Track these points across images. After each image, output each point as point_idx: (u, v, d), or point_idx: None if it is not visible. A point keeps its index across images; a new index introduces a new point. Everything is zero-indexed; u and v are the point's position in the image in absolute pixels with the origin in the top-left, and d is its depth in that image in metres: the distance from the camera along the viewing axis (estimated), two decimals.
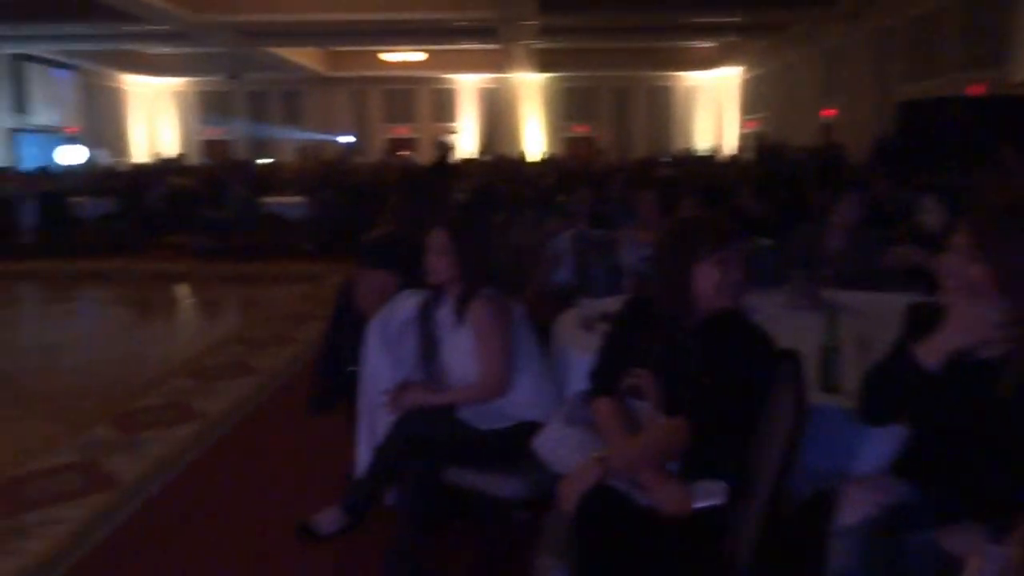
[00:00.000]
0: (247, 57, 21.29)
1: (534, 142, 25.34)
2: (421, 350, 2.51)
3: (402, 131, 26.29)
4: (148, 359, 5.32)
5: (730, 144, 23.89)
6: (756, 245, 3.98)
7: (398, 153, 20.85)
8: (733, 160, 16.19)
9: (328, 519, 2.44)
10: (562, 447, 1.86)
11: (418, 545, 2.22)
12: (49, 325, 7.03)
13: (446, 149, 13.43)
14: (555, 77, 25.23)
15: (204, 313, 7.59)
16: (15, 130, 20.08)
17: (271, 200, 10.68)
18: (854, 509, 1.47)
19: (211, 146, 26.34)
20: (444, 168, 11.70)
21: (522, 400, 2.33)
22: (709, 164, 16.28)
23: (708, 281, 1.80)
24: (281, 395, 4.40)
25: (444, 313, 2.45)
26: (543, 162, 18.62)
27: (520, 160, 20.05)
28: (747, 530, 1.62)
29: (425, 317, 2.50)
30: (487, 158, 20.58)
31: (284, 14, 16.20)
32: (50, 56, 20.80)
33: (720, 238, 1.82)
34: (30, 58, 20.29)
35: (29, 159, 18.64)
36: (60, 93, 21.99)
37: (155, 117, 26.87)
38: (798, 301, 2.91)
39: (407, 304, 2.55)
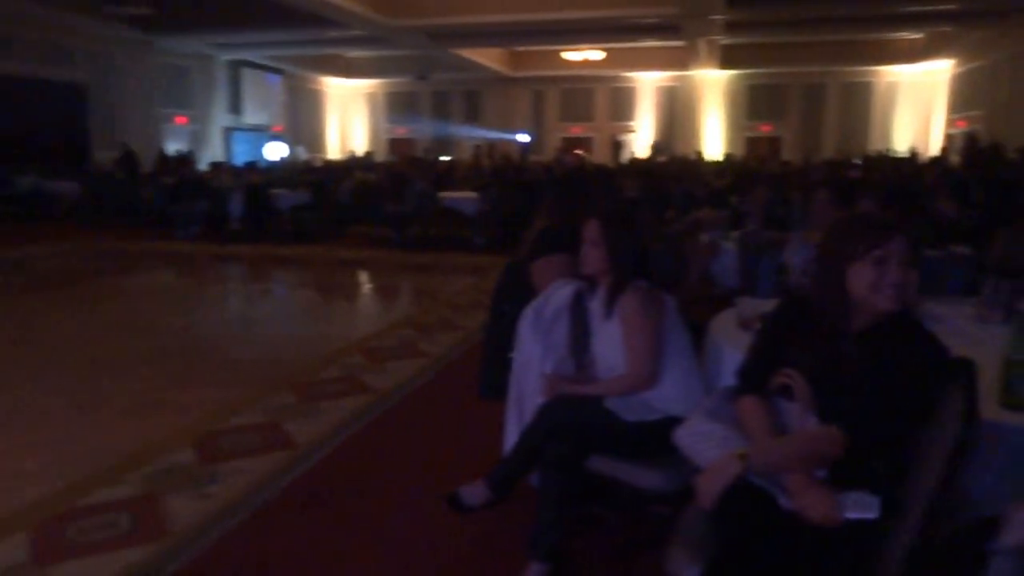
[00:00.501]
0: (434, 59, 22.34)
1: (714, 141, 24.59)
2: (572, 339, 2.56)
3: (577, 130, 26.45)
4: (329, 337, 5.76)
5: (934, 145, 21.86)
6: (951, 251, 3.67)
7: (572, 151, 21.01)
8: (935, 162, 14.82)
9: (474, 492, 2.54)
10: (703, 441, 1.82)
11: (557, 527, 2.26)
12: (248, 302, 7.84)
13: (622, 147, 13.36)
14: (739, 74, 24.31)
15: (381, 298, 8.09)
16: (230, 129, 22.39)
17: (448, 195, 11.16)
18: (1018, 530, 1.33)
19: (397, 144, 27.88)
20: (605, 168, 11.67)
21: (669, 394, 2.32)
22: (906, 166, 15.02)
23: (862, 281, 1.69)
24: (445, 376, 4.63)
25: (596, 303, 2.48)
26: (721, 162, 18.05)
27: (698, 159, 19.56)
28: (898, 549, 1.51)
29: (578, 306, 2.56)
30: (662, 157, 20.25)
31: (471, 16, 16.84)
32: (262, 62, 22.97)
33: (877, 236, 1.69)
34: (245, 64, 22.52)
35: (241, 155, 20.72)
36: (269, 95, 24.24)
37: (348, 116, 28.85)
38: (989, 312, 2.65)
39: (562, 293, 2.61)
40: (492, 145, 21.63)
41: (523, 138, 25.80)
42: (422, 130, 27.76)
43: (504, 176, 12.57)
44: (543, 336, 2.57)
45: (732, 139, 24.86)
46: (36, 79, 15.92)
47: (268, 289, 8.51)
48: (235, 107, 22.58)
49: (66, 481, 3.08)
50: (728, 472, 1.65)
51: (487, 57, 23.01)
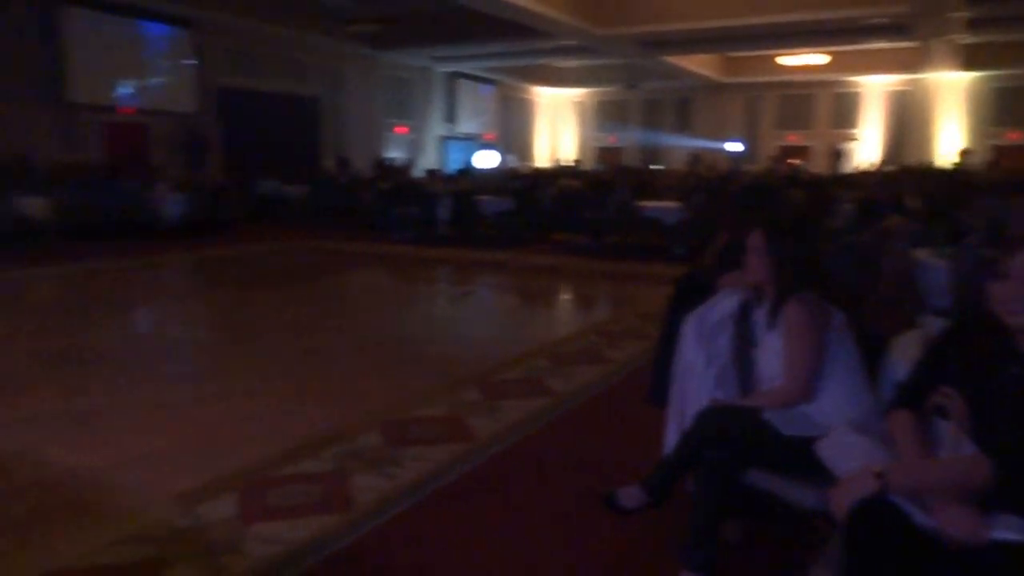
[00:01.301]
0: (644, 67, 22.23)
1: (951, 150, 22.20)
2: (736, 348, 2.52)
3: (794, 138, 25.06)
4: (518, 339, 5.92)
5: None
6: None
7: (787, 161, 19.93)
8: None
9: (630, 494, 2.58)
10: (845, 452, 1.73)
11: (710, 537, 2.21)
12: (448, 303, 8.28)
13: (842, 156, 12.49)
14: (983, 76, 21.76)
15: (573, 304, 8.18)
16: (445, 137, 23.77)
17: (650, 204, 11.04)
18: None
19: (605, 153, 28.05)
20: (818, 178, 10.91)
21: (830, 410, 2.20)
22: None
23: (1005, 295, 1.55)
24: (625, 383, 4.59)
25: (761, 313, 2.44)
26: (953, 172, 16.24)
27: (928, 169, 17.76)
28: None
29: (743, 315, 2.54)
30: (890, 167, 18.63)
31: (685, 23, 16.56)
32: (476, 73, 24.15)
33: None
34: (461, 75, 23.81)
35: (454, 162, 21.92)
36: (481, 105, 25.42)
37: (557, 125, 29.49)
38: None
39: (728, 301, 2.60)
40: (697, 155, 21.07)
41: (735, 147, 24.91)
42: (631, 139, 27.70)
43: (709, 186, 12.21)
44: (706, 343, 2.54)
45: (974, 147, 22.27)
46: (277, 93, 17.98)
47: (468, 291, 8.92)
48: (450, 116, 23.93)
49: (271, 451, 3.43)
50: (862, 487, 1.56)
51: (699, 64, 22.49)
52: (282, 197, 14.94)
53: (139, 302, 7.86)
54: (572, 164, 23.98)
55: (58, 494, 3.01)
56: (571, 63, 25.27)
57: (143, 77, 15.86)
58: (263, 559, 2.53)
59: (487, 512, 2.90)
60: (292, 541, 2.63)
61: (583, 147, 29.06)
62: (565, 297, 8.58)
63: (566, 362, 5.03)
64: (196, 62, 16.47)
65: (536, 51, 20.87)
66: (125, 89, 15.55)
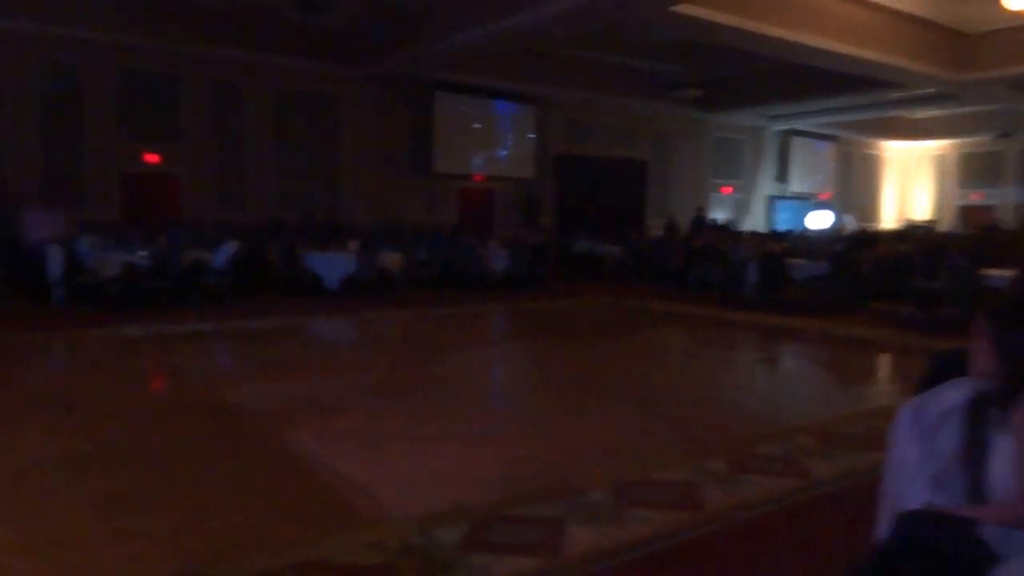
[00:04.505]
0: (1020, 112, 19.35)
1: None
2: (964, 448, 2.18)
3: None
4: (790, 411, 5.64)
5: None
6: None
7: None
8: None
9: None
10: None
11: None
12: (727, 367, 8.08)
13: None
14: None
15: (869, 382, 7.47)
16: (775, 197, 22.96)
17: (996, 272, 9.58)
18: None
19: (970, 211, 24.74)
20: None
21: None
22: None
23: None
24: None
25: (995, 411, 2.11)
26: None
27: None
28: None
29: (975, 410, 2.18)
30: None
31: None
32: (812, 129, 23.04)
33: None
34: (795, 132, 22.90)
35: (783, 222, 21.08)
36: (816, 162, 24.11)
37: (909, 181, 26.75)
38: None
39: (954, 391, 2.26)
40: None
41: None
42: (1004, 195, 24.08)
43: None
44: (924, 439, 2.25)
45: None
46: (607, 158, 19.16)
47: (753, 358, 8.62)
48: (781, 175, 23.12)
49: (509, 491, 3.78)
50: None
51: None
52: (597, 255, 15.79)
53: (454, 345, 9.01)
54: (924, 224, 21.55)
55: (336, 498, 3.71)
56: (928, 113, 22.90)
57: (492, 148, 18.10)
58: None
59: None
60: (497, 574, 2.93)
61: (942, 205, 25.92)
62: (860, 374, 7.83)
63: (834, 444, 4.68)
64: (536, 135, 18.35)
65: (885, 103, 19.39)
66: (478, 159, 17.88)
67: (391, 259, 12.45)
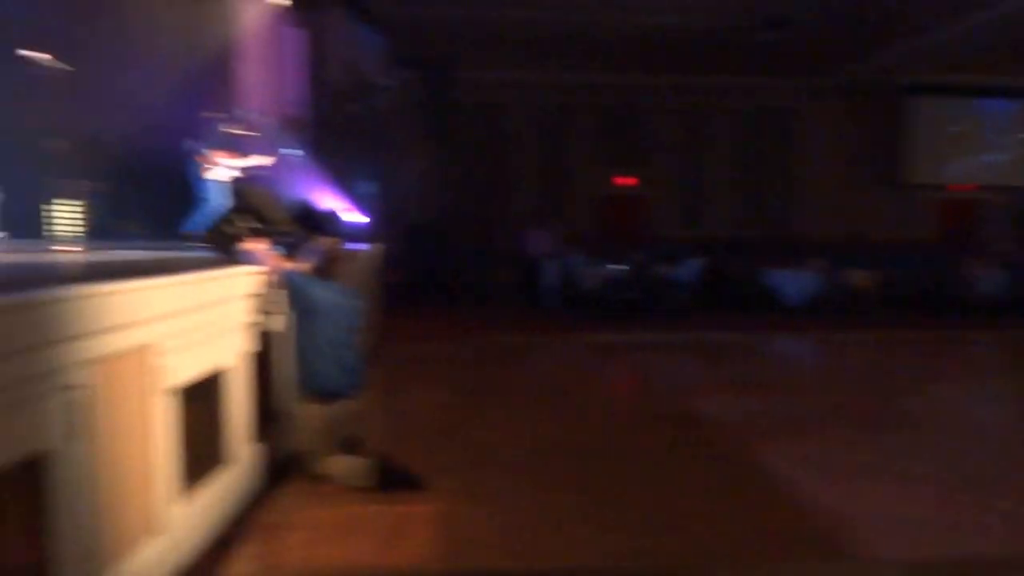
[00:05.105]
0: None
1: None
2: None
3: None
4: None
5: None
6: None
7: None
8: None
9: None
10: None
11: None
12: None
13: None
14: None
15: None
16: None
17: None
18: None
19: None
20: None
21: None
22: None
23: None
24: None
25: None
26: None
27: None
28: None
29: None
30: None
31: None
32: None
33: None
34: None
35: None
36: None
37: None
38: None
39: None
40: None
41: None
42: None
43: None
44: None
45: None
46: None
47: None
48: None
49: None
50: None
51: None
52: None
53: (927, 376, 8.06)
54: None
55: (812, 526, 3.68)
56: None
57: (978, 154, 15.84)
58: None
59: None
60: None
61: None
62: None
63: None
64: None
65: None
66: (959, 167, 15.83)
67: (858, 277, 11.77)
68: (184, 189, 7.56)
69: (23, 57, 5.46)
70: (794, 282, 11.49)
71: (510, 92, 15.70)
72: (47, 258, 5.04)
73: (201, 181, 7.37)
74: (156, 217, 9.25)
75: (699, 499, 4.02)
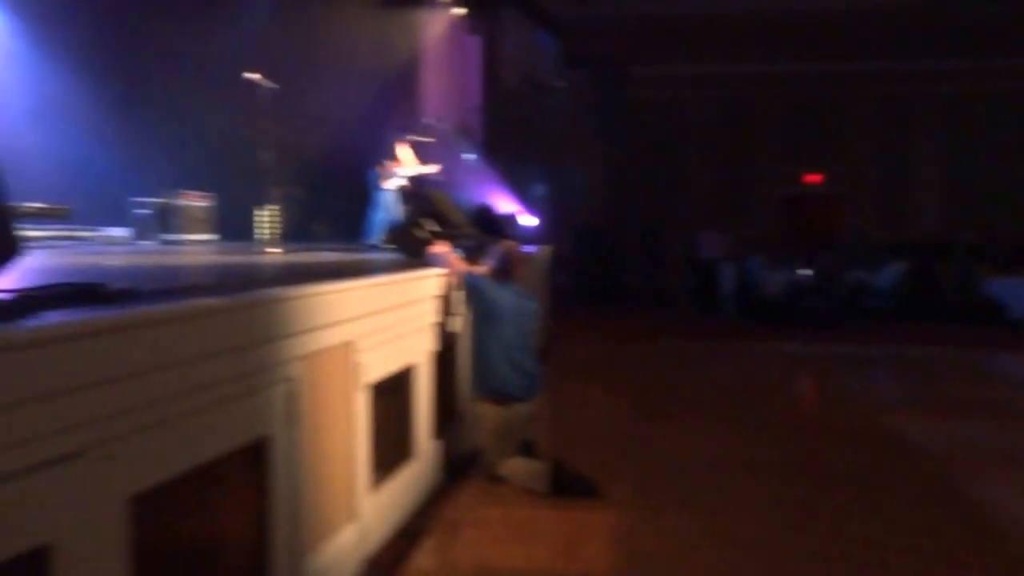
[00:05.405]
0: None
1: None
2: None
3: None
4: None
5: None
6: None
7: None
8: None
9: None
10: None
11: None
12: None
13: None
14: None
15: None
16: None
17: None
18: None
19: None
20: None
21: None
22: None
23: None
24: None
25: None
26: None
27: None
28: None
29: None
30: None
31: None
32: None
33: None
34: None
35: None
36: None
37: None
38: None
39: None
40: None
41: None
42: None
43: None
44: None
45: None
46: None
47: None
48: None
49: None
50: None
51: None
52: None
53: None
54: None
55: None
56: None
57: None
58: None
59: None
60: None
61: None
62: None
63: None
64: None
65: None
66: None
67: None
68: (364, 196, 8.08)
69: (246, 79, 6.00)
70: (1021, 292, 10.09)
71: (687, 88, 15.25)
72: (256, 260, 5.51)
73: (378, 189, 7.82)
74: (339, 221, 9.98)
75: (906, 528, 3.62)
